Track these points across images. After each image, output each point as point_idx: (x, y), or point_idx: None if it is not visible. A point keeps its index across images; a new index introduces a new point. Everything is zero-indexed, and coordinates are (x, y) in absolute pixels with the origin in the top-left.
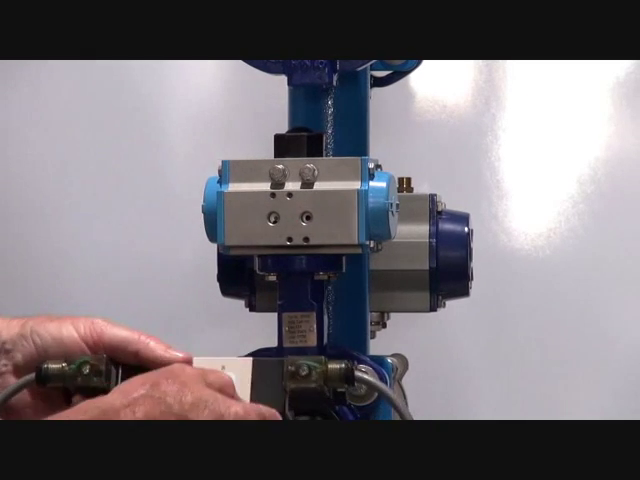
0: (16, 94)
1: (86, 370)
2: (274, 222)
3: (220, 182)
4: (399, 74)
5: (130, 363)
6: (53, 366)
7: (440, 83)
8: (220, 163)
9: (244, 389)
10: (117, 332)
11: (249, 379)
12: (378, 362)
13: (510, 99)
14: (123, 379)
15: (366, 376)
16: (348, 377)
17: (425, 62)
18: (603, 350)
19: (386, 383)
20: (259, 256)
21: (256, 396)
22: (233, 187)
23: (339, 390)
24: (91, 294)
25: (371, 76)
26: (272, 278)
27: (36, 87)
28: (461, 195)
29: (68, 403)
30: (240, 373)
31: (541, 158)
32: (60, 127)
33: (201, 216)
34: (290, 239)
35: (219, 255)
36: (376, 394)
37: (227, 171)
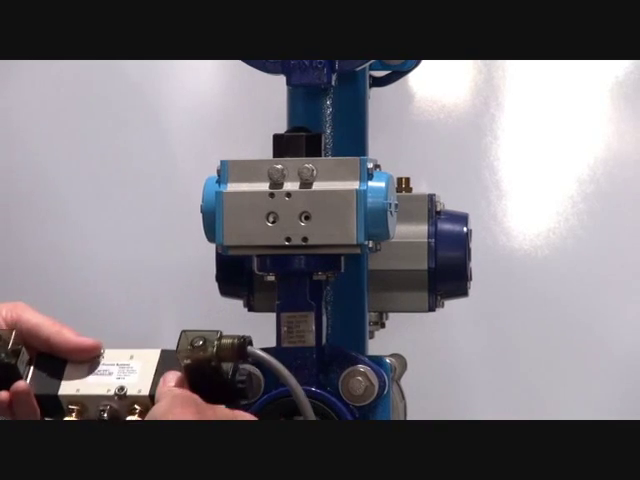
0: (15, 94)
1: None
2: (273, 222)
3: (219, 182)
4: (398, 74)
5: (44, 350)
6: None
7: (439, 83)
8: (219, 163)
9: (147, 375)
10: (32, 316)
11: (154, 367)
12: (377, 362)
13: (509, 99)
14: (37, 365)
15: (259, 352)
16: (241, 350)
17: (424, 62)
18: (602, 350)
19: (385, 383)
20: (258, 256)
21: (157, 381)
22: (232, 187)
23: (240, 379)
24: (90, 292)
25: (370, 76)
26: (271, 278)
27: (34, 88)
28: (460, 195)
29: None
30: (146, 362)
31: (540, 158)
32: (57, 127)
33: (200, 216)
34: (289, 239)
35: (218, 255)
36: (375, 394)
37: (226, 171)
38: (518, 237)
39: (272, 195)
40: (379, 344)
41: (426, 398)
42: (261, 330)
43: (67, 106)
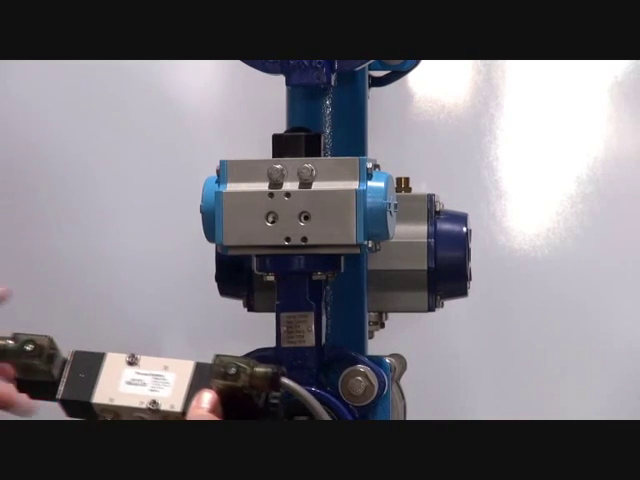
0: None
1: (29, 348)
2: (272, 222)
3: (218, 182)
4: (397, 74)
5: None
6: None
7: (438, 83)
8: (218, 163)
9: (181, 389)
10: None
11: (187, 381)
12: (376, 362)
13: (508, 99)
14: (73, 367)
15: (292, 383)
16: (274, 381)
17: (423, 62)
18: (601, 350)
19: (384, 383)
20: (257, 256)
21: (191, 397)
22: (231, 187)
23: (272, 402)
24: (93, 287)
25: (369, 76)
26: (270, 278)
27: (38, 86)
28: (459, 195)
29: None
30: (181, 374)
31: (540, 158)
32: (59, 125)
33: (199, 216)
34: (288, 239)
35: (217, 255)
36: (375, 394)
37: (225, 171)
38: (517, 237)
39: (271, 195)
40: (379, 344)
41: (426, 398)
42: (261, 330)
43: (65, 105)
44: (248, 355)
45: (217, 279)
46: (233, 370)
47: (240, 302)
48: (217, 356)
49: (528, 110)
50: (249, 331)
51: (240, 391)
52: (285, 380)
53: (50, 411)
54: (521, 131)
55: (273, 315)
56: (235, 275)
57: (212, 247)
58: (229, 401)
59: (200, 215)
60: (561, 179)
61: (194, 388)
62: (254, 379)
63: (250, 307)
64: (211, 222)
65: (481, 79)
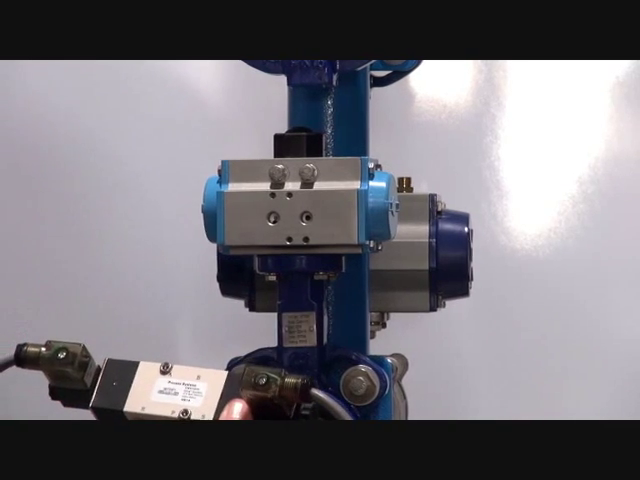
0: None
1: (62, 355)
2: (274, 222)
3: (220, 182)
4: (399, 74)
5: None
6: (31, 349)
7: (440, 83)
8: (220, 163)
9: (213, 399)
10: None
11: (219, 390)
12: (378, 362)
13: (510, 99)
14: (105, 375)
15: (322, 394)
16: (303, 392)
17: (425, 62)
18: (603, 350)
19: (386, 383)
20: (259, 256)
21: (222, 407)
22: (233, 187)
23: (303, 413)
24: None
25: (371, 76)
26: (272, 278)
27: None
28: (461, 195)
29: None
30: (213, 384)
31: (541, 158)
32: (63, 124)
33: (200, 216)
34: (290, 239)
35: (219, 255)
36: (376, 394)
37: (227, 171)
38: (519, 237)
39: (273, 195)
40: (380, 344)
41: (427, 398)
42: (262, 330)
43: (65, 104)
44: (249, 355)
45: (219, 279)
46: (263, 380)
47: (242, 302)
48: (247, 366)
49: (529, 110)
50: (250, 331)
51: (270, 401)
52: (315, 391)
53: (57, 411)
54: (522, 131)
55: (275, 315)
56: (236, 275)
57: (214, 246)
58: (260, 411)
59: (201, 215)
60: (562, 179)
61: (226, 398)
62: (283, 390)
63: (252, 307)
64: (213, 222)
65: (482, 79)
